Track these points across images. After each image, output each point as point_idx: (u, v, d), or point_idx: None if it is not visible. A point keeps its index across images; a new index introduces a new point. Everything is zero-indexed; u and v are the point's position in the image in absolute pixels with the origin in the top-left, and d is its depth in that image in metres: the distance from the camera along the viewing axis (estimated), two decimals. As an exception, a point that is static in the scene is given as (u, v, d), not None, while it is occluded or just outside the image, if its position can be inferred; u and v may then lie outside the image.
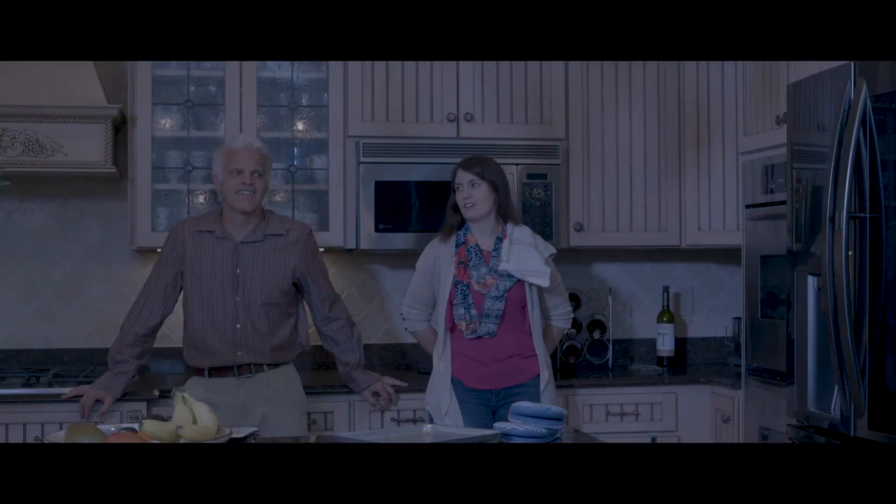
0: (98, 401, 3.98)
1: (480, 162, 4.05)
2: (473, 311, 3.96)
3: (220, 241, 3.97)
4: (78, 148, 4.28)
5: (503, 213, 4.05)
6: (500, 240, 4.03)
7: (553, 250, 4.11)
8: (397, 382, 4.30)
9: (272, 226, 4.02)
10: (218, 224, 3.99)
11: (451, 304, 4.00)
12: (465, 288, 3.98)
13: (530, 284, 4.01)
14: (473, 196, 3.99)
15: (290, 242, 4.02)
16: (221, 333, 3.95)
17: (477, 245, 4.03)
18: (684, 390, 4.65)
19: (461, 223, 4.08)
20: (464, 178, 4.01)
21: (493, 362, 3.99)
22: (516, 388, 4.00)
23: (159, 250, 4.10)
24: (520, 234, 4.05)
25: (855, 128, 3.19)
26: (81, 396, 3.97)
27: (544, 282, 3.98)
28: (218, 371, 3.97)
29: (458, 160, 4.10)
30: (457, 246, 4.04)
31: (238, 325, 3.94)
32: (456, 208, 4.07)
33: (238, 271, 3.95)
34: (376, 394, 4.24)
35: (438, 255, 4.07)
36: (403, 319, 4.27)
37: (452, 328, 4.02)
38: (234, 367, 3.96)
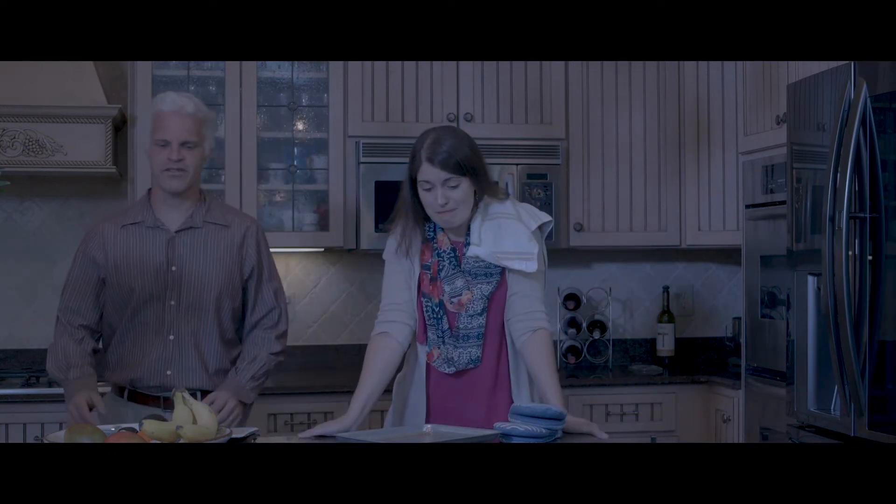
0: (90, 406, 3.17)
1: (450, 144, 2.91)
2: (450, 338, 3.02)
3: (150, 231, 3.26)
4: (78, 148, 4.29)
5: (482, 193, 3.01)
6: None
7: (546, 217, 3.07)
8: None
9: (213, 213, 3.32)
10: (147, 211, 3.28)
11: (422, 321, 3.07)
12: (436, 307, 3.02)
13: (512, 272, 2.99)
14: (452, 199, 2.92)
15: (236, 236, 3.33)
16: (147, 347, 3.25)
17: (453, 249, 3.02)
18: (684, 390, 4.65)
19: (424, 216, 3.03)
20: (434, 176, 2.89)
21: (470, 400, 3.08)
22: None
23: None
24: (497, 207, 3.01)
25: (855, 128, 3.19)
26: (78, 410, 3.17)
27: (531, 266, 2.96)
28: (140, 397, 3.25)
29: None
30: (423, 242, 3.06)
31: (171, 337, 3.25)
32: (414, 200, 3.00)
33: (174, 269, 3.25)
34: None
35: (406, 245, 3.08)
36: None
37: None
38: (161, 398, 3.23)
